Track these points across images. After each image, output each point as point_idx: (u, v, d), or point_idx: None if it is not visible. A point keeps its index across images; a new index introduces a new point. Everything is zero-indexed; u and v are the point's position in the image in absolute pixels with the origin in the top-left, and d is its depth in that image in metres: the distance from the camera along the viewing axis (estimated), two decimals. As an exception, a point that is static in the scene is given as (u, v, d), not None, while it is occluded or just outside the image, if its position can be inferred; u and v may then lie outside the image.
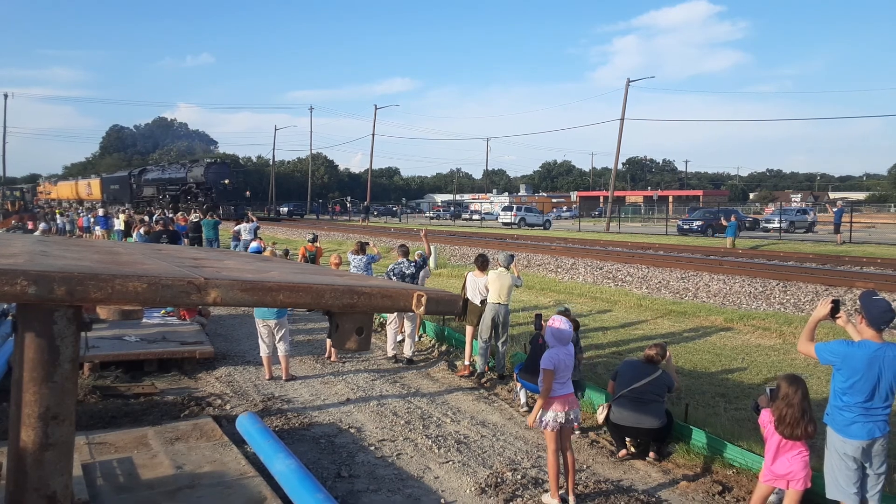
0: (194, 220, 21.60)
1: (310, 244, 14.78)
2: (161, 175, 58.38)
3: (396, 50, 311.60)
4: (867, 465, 4.19)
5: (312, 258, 14.03)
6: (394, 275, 9.76)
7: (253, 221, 21.57)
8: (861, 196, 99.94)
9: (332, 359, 9.63)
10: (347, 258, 12.25)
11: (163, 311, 11.04)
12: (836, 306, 4.31)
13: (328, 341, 9.74)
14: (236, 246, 19.68)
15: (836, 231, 31.17)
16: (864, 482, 4.22)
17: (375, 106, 64.42)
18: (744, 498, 5.21)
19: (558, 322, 5.33)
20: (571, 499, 5.18)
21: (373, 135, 65.54)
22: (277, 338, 8.50)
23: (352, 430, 6.79)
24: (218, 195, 51.09)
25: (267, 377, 8.53)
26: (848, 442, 4.13)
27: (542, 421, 5.19)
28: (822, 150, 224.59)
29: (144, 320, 10.22)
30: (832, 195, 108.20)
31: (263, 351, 8.55)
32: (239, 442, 5.91)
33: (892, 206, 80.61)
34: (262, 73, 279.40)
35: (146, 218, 26.10)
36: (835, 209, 36.96)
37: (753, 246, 27.63)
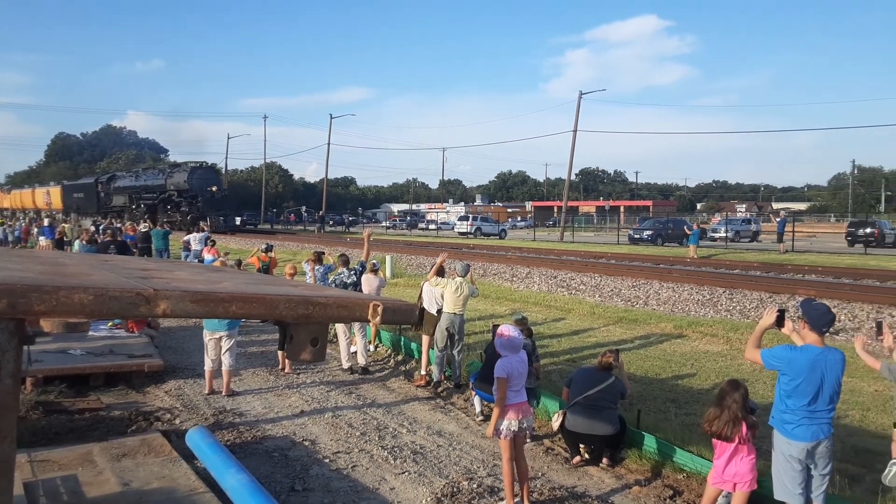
0: (143, 230, 21.04)
1: (263, 254, 14.55)
2: (134, 182, 52.63)
3: (353, 59, 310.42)
4: (812, 466, 4.33)
5: (266, 269, 13.83)
6: (335, 285, 9.64)
7: (204, 231, 21.17)
8: (803, 206, 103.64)
9: (285, 370, 9.49)
10: (303, 268, 12.12)
11: (110, 324, 10.73)
12: (781, 316, 4.46)
13: (281, 353, 9.59)
14: (187, 256, 19.28)
15: (780, 240, 32.29)
16: (809, 483, 4.36)
17: (331, 115, 63.82)
18: (694, 501, 5.33)
19: (507, 331, 5.34)
20: None
21: (328, 144, 65.13)
22: (224, 350, 8.27)
23: (306, 443, 6.70)
24: (204, 204, 45.59)
25: (207, 391, 8.31)
26: (793, 444, 4.27)
27: (497, 430, 5.21)
28: (765, 161, 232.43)
29: (91, 333, 9.90)
30: (775, 205, 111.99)
31: (207, 364, 8.33)
32: (189, 457, 5.77)
33: (832, 216, 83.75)
34: (214, 80, 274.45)
35: (91, 227, 25.28)
36: (778, 219, 38.31)
37: (707, 255, 28.35)
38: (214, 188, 46.70)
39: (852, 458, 6.05)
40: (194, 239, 19.81)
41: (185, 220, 44.87)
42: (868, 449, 6.26)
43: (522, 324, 7.31)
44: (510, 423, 5.17)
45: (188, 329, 11.98)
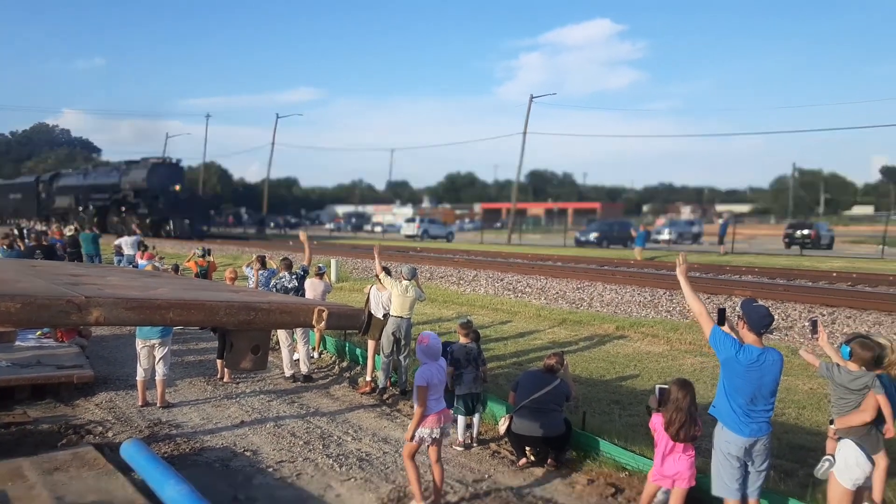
0: (70, 234, 20.14)
1: (201, 258, 14.13)
2: (82, 181, 47.16)
3: (301, 58, 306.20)
4: (750, 463, 4.46)
5: (205, 273, 13.43)
6: (276, 290, 9.43)
7: (137, 234, 20.45)
8: (745, 209, 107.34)
9: (224, 380, 9.21)
10: (244, 273, 11.84)
11: (38, 333, 10.24)
12: (721, 315, 4.57)
13: (219, 361, 9.29)
14: (120, 261, 18.61)
15: (721, 242, 33.38)
16: (747, 479, 4.49)
17: (277, 115, 62.84)
18: (634, 498, 5.41)
19: (427, 338, 5.32)
20: None
21: (272, 143, 63.94)
22: (157, 359, 7.95)
23: (248, 454, 6.53)
24: (166, 205, 40.37)
25: (140, 403, 7.99)
26: (732, 441, 4.38)
27: (418, 437, 5.16)
28: (710, 164, 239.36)
29: (17, 343, 9.42)
30: (719, 208, 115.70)
31: (139, 374, 8.00)
32: (125, 470, 5.54)
33: (772, 218, 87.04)
34: (156, 79, 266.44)
35: (14, 231, 24.07)
36: (720, 221, 39.57)
37: (651, 257, 29.03)
38: (178, 187, 41.81)
39: (787, 454, 6.26)
40: (126, 243, 19.10)
41: (144, 224, 40.67)
42: (802, 445, 6.50)
43: (468, 327, 7.30)
44: (432, 430, 5.13)
45: (122, 337, 11.53)
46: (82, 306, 2.29)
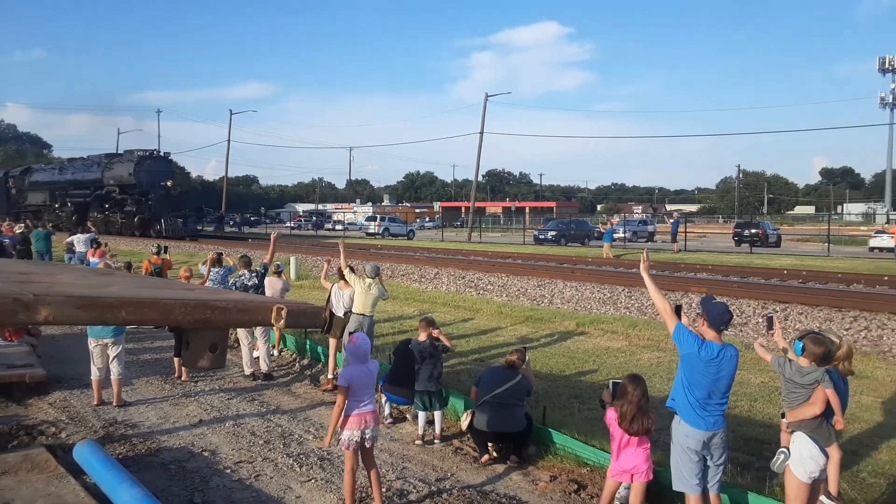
0: (20, 231, 19.53)
1: (155, 256, 13.78)
2: (58, 176, 43.41)
3: (251, 52, 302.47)
4: (708, 457, 4.54)
5: (159, 271, 13.11)
6: (235, 288, 9.30)
7: (91, 231, 19.93)
8: (693, 208, 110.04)
9: (182, 378, 9.03)
10: (199, 271, 11.61)
11: (-15, 332, 9.87)
12: (678, 311, 4.65)
13: (177, 360, 9.11)
14: (71, 259, 18.09)
15: (673, 240, 34.07)
16: (706, 474, 4.57)
17: (231, 111, 61.81)
18: (597, 494, 5.47)
19: (356, 338, 5.32)
20: None
21: (228, 140, 62.99)
22: (111, 357, 7.78)
23: (205, 454, 6.40)
24: (157, 203, 36.84)
25: (95, 402, 7.80)
26: (691, 435, 4.45)
27: (339, 440, 5.13)
28: (660, 165, 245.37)
29: (-38, 343, 9.08)
30: (669, 207, 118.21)
31: (94, 373, 7.83)
32: (77, 473, 5.38)
33: (720, 217, 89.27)
34: (103, 73, 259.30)
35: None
36: (672, 220, 40.32)
37: (618, 254, 29.39)
38: (169, 183, 38.19)
39: (742, 446, 6.41)
40: (78, 240, 18.59)
41: (132, 223, 37.74)
42: (756, 438, 6.66)
43: (431, 324, 7.29)
44: (352, 433, 5.07)
45: (73, 336, 11.19)
46: (30, 305, 2.20)
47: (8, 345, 9.60)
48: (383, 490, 5.58)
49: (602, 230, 32.08)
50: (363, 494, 5.51)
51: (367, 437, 5.15)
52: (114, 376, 7.79)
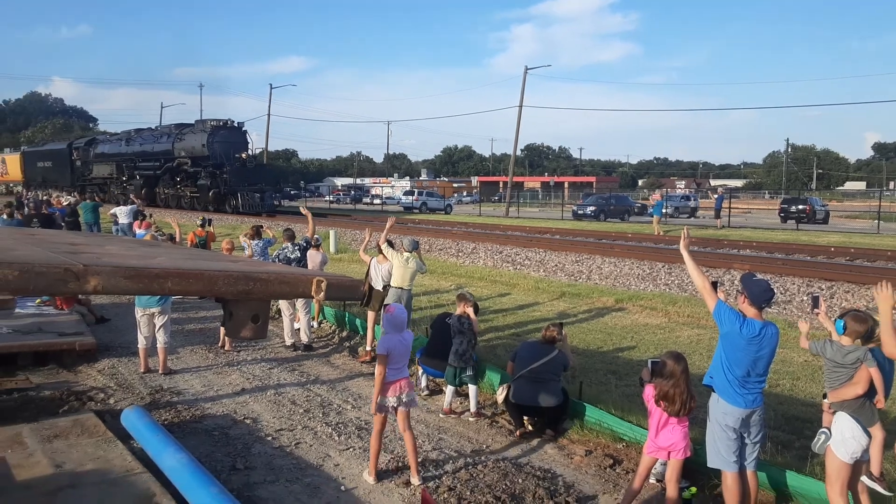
0: (68, 204, 20.15)
1: (199, 229, 14.06)
2: (125, 147, 41.03)
3: (291, 27, 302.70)
4: (745, 434, 4.49)
5: (203, 244, 13.39)
6: (279, 260, 9.46)
7: (133, 203, 20.39)
8: (739, 183, 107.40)
9: (226, 348, 9.28)
10: (240, 243, 11.82)
11: (38, 301, 10.26)
12: (714, 288, 4.57)
13: (222, 329, 9.36)
14: (118, 231, 18.61)
15: (717, 216, 33.34)
16: (743, 451, 4.53)
17: (271, 85, 62.70)
18: (632, 469, 5.47)
19: (393, 308, 5.45)
20: (415, 479, 5.24)
21: (268, 115, 63.35)
22: (158, 327, 8.04)
23: (247, 421, 6.58)
24: (233, 176, 34.06)
25: (142, 370, 8.08)
26: (730, 413, 4.40)
27: (381, 406, 5.25)
28: (704, 139, 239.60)
29: (17, 310, 9.45)
30: (713, 182, 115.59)
31: (141, 342, 8.11)
32: (125, 437, 5.59)
33: (766, 192, 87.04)
34: (146, 48, 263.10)
35: (14, 201, 24.00)
36: (716, 196, 39.42)
37: (667, 230, 28.95)
38: (244, 155, 35.39)
39: (783, 425, 6.31)
40: (121, 212, 19.08)
41: (206, 197, 35.02)
42: (797, 416, 6.55)
43: (466, 299, 7.27)
44: (385, 398, 5.23)
45: (121, 306, 11.57)
46: (80, 274, 2.28)
47: (59, 313, 9.97)
48: (419, 459, 5.67)
49: (651, 203, 30.63)
50: (400, 463, 5.61)
51: (404, 401, 5.28)
52: (160, 345, 8.04)
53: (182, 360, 8.68)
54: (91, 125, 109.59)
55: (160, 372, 8.03)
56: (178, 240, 11.24)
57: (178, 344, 9.24)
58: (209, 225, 14.15)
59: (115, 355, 8.79)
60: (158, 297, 7.73)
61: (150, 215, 20.00)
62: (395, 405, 5.26)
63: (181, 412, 6.76)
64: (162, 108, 79.52)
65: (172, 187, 37.90)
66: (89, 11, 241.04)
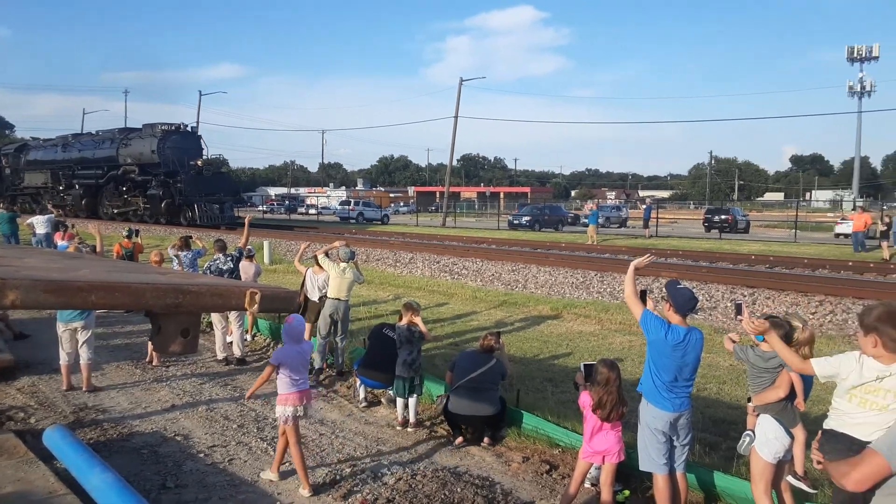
0: None
1: (126, 240, 13.54)
2: (62, 154, 37.44)
3: (223, 34, 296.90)
4: (674, 437, 4.64)
5: (129, 256, 12.90)
6: (210, 272, 9.22)
7: (51, 213, 19.47)
8: (666, 194, 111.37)
9: (153, 363, 8.95)
10: (169, 255, 11.46)
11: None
12: (643, 295, 4.71)
13: (150, 344, 9.02)
14: (37, 242, 17.75)
15: (645, 226, 34.43)
16: (672, 453, 4.67)
17: (200, 92, 60.52)
18: (568, 474, 5.56)
19: (292, 319, 5.51)
20: (306, 490, 5.25)
21: (197, 122, 61.66)
22: (80, 342, 7.70)
23: (178, 438, 6.37)
24: (188, 186, 30.91)
25: (65, 387, 7.72)
26: (658, 416, 4.55)
27: (282, 415, 5.31)
28: (633, 151, 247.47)
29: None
30: (642, 193, 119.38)
31: (63, 358, 7.74)
32: (47, 458, 5.31)
33: (691, 203, 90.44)
34: (69, 53, 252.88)
35: None
36: (644, 206, 40.68)
37: (602, 240, 29.62)
38: (199, 162, 32.33)
39: (710, 427, 6.55)
40: (38, 222, 18.18)
41: (158, 209, 31.93)
42: (724, 419, 6.81)
43: (413, 308, 7.16)
44: (286, 409, 5.29)
45: (42, 321, 11.01)
46: (-3, 288, 2.17)
47: (-27, 330, 9.41)
48: (357, 472, 5.62)
49: (587, 213, 31.22)
50: (337, 476, 5.53)
51: (300, 413, 5.35)
52: (83, 361, 7.70)
53: (107, 377, 8.33)
54: (7, 132, 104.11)
55: (84, 389, 7.68)
56: (99, 250, 10.73)
57: (102, 360, 8.86)
58: (136, 236, 13.65)
59: (35, 373, 8.36)
60: (81, 311, 7.40)
61: (73, 226, 19.16)
62: (302, 414, 5.34)
63: (107, 430, 6.48)
64: (84, 114, 76.45)
65: (118, 197, 34.56)
66: (9, 13, 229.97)
